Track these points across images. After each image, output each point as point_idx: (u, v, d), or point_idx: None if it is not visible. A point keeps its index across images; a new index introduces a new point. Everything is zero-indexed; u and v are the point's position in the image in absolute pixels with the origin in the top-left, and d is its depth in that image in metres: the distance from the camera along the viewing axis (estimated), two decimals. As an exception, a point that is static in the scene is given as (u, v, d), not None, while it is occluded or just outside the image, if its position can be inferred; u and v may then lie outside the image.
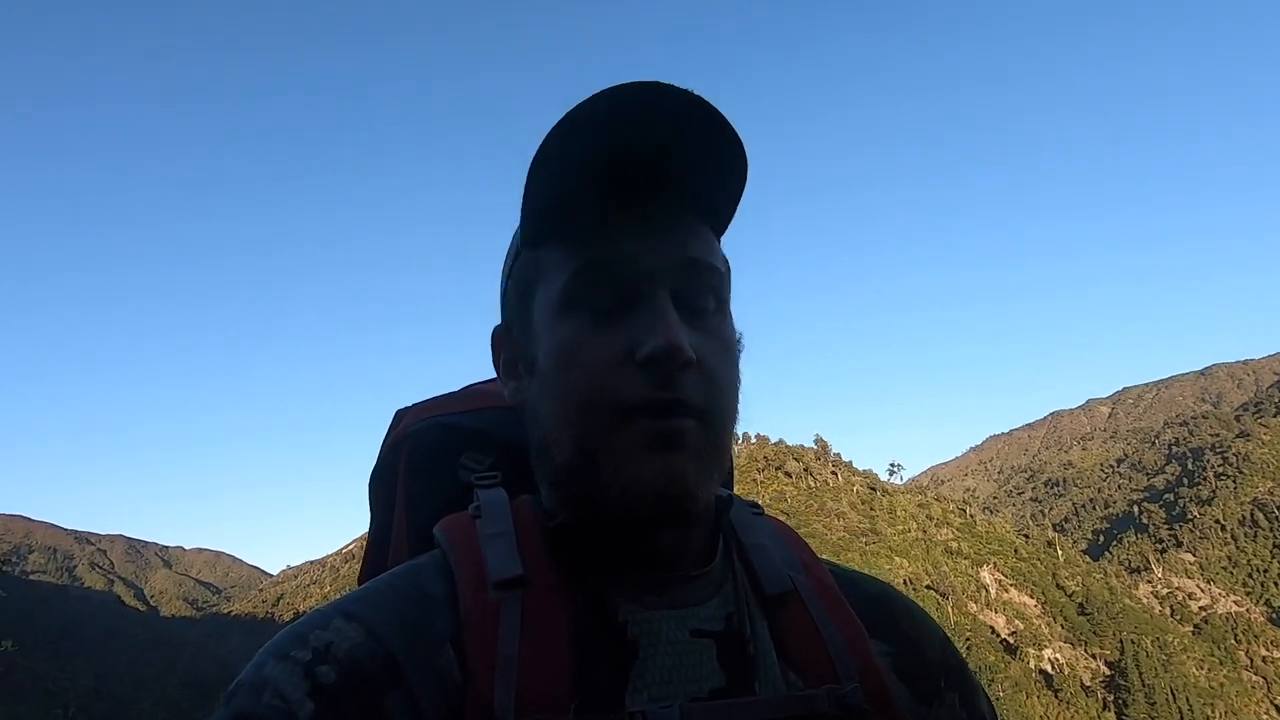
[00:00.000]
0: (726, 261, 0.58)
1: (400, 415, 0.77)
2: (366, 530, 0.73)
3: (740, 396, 0.55)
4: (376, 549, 0.71)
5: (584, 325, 0.52)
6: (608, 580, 0.53)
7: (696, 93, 0.48)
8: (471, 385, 0.79)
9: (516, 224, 0.57)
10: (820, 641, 0.54)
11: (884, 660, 0.56)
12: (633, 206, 0.52)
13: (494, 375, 0.67)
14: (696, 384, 0.50)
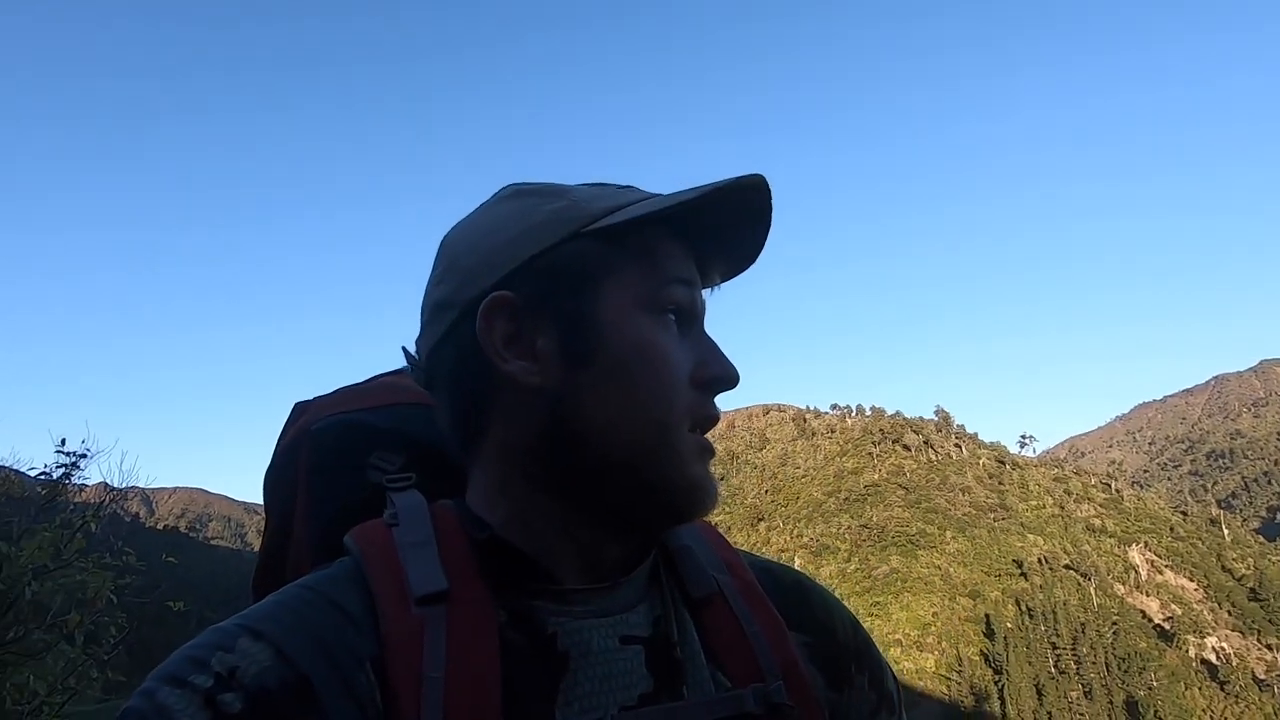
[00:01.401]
0: None
1: (299, 409, 0.71)
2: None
3: None
4: (272, 555, 0.65)
5: (668, 330, 0.54)
6: (535, 590, 0.51)
7: (771, 202, 0.56)
8: (379, 376, 0.74)
9: (501, 192, 0.59)
10: (745, 641, 0.55)
11: (802, 651, 0.58)
12: (696, 260, 0.58)
13: (399, 367, 0.64)
14: None
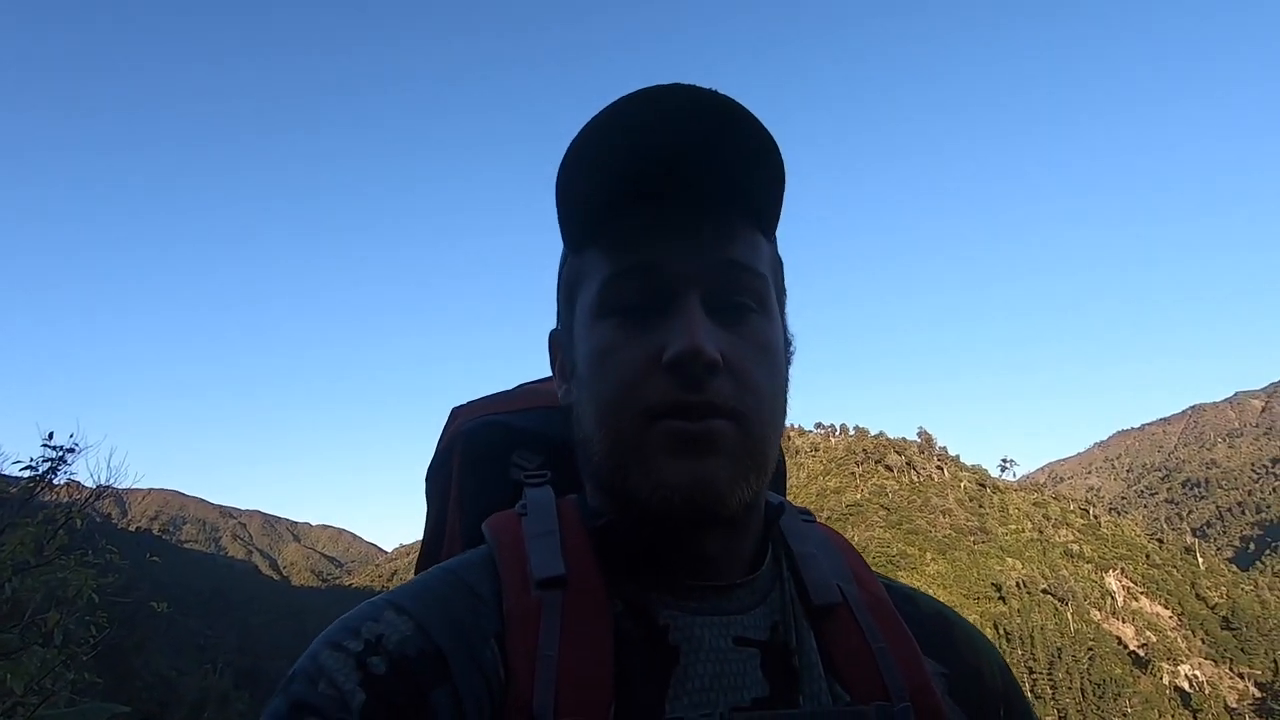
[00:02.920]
0: (776, 261, 0.58)
1: (455, 413, 0.79)
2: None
3: (785, 399, 0.55)
4: (431, 543, 0.74)
5: (617, 328, 0.52)
6: (650, 583, 0.52)
7: (718, 91, 0.48)
8: (524, 384, 0.81)
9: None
10: (870, 656, 0.53)
11: (939, 681, 0.54)
12: (665, 209, 0.52)
13: (545, 375, 0.70)
14: (727, 387, 0.50)
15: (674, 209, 0.52)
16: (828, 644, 0.54)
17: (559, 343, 0.61)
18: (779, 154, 0.51)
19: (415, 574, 0.65)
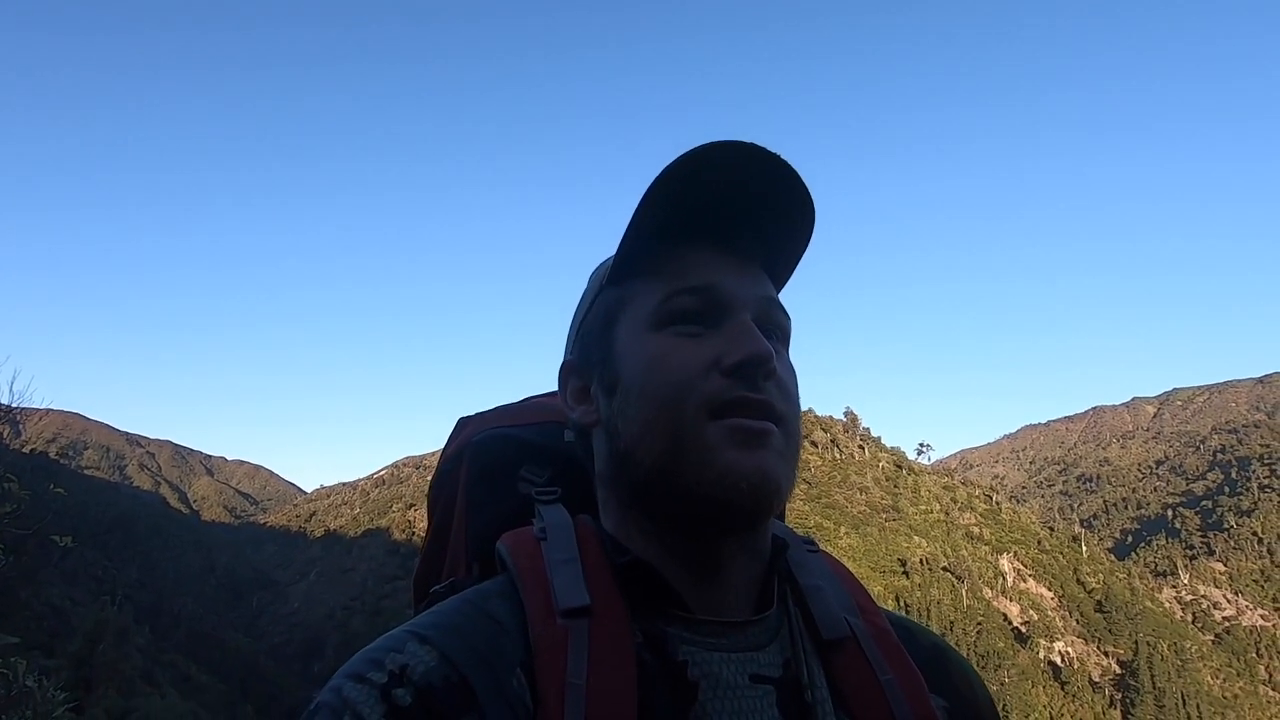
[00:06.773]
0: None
1: (463, 424, 0.80)
2: (426, 527, 0.77)
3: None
4: (434, 551, 0.74)
5: (674, 336, 0.56)
6: (669, 617, 0.53)
7: (786, 159, 0.55)
8: (532, 398, 0.82)
9: (588, 276, 0.67)
10: (879, 690, 0.54)
11: (941, 714, 0.56)
12: (722, 251, 0.59)
13: (551, 390, 0.74)
14: (776, 394, 0.55)
15: (732, 252, 0.59)
16: (837, 678, 0.55)
17: (574, 369, 0.65)
18: (812, 231, 0.60)
19: (415, 588, 0.70)
